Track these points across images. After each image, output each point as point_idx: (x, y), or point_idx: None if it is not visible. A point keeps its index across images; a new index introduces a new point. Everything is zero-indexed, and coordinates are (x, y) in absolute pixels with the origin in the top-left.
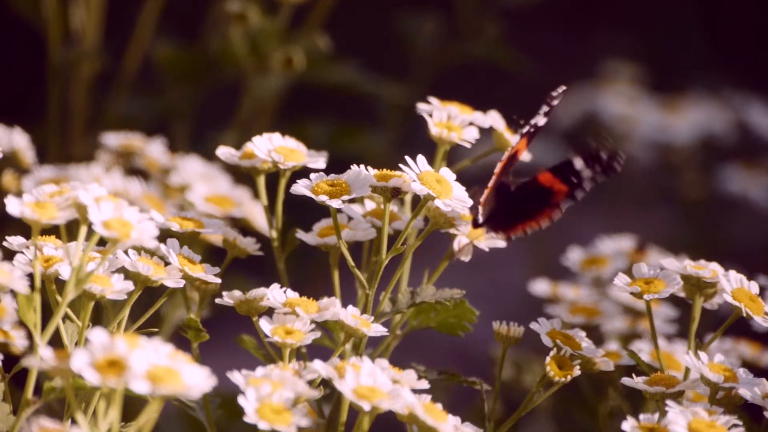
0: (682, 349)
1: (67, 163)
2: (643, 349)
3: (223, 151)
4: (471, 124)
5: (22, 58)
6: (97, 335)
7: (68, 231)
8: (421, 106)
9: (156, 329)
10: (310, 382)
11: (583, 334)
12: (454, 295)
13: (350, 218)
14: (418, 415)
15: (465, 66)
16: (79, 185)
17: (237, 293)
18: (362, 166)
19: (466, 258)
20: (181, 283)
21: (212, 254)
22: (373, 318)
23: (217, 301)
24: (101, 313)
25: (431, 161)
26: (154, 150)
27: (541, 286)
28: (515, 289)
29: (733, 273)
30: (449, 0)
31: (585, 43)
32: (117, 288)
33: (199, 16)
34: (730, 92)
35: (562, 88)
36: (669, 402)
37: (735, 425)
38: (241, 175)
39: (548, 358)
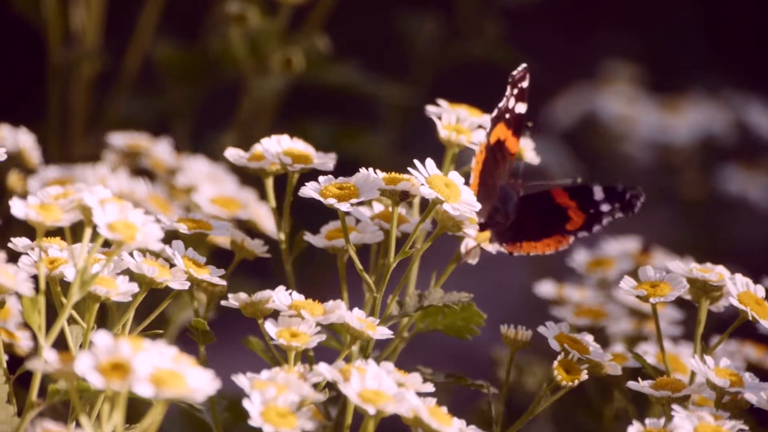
0: (687, 352)
1: (67, 163)
2: (648, 352)
3: (232, 153)
4: (480, 126)
5: (22, 58)
6: (101, 338)
7: (73, 233)
8: (430, 109)
9: (161, 331)
10: (315, 385)
11: (590, 338)
12: (462, 299)
13: (358, 221)
14: (423, 419)
15: (465, 66)
16: (84, 187)
17: (243, 295)
18: (371, 169)
19: (473, 261)
20: (186, 285)
21: (215, 256)
22: (378, 321)
23: (223, 303)
24: (106, 314)
25: (436, 162)
26: (161, 150)
27: (546, 288)
28: (516, 290)
29: (739, 276)
30: (449, 0)
31: (585, 43)
32: (122, 290)
33: (199, 17)
34: (730, 92)
35: (523, 66)
36: (675, 406)
37: (741, 430)
38: (247, 176)
39: (556, 363)
